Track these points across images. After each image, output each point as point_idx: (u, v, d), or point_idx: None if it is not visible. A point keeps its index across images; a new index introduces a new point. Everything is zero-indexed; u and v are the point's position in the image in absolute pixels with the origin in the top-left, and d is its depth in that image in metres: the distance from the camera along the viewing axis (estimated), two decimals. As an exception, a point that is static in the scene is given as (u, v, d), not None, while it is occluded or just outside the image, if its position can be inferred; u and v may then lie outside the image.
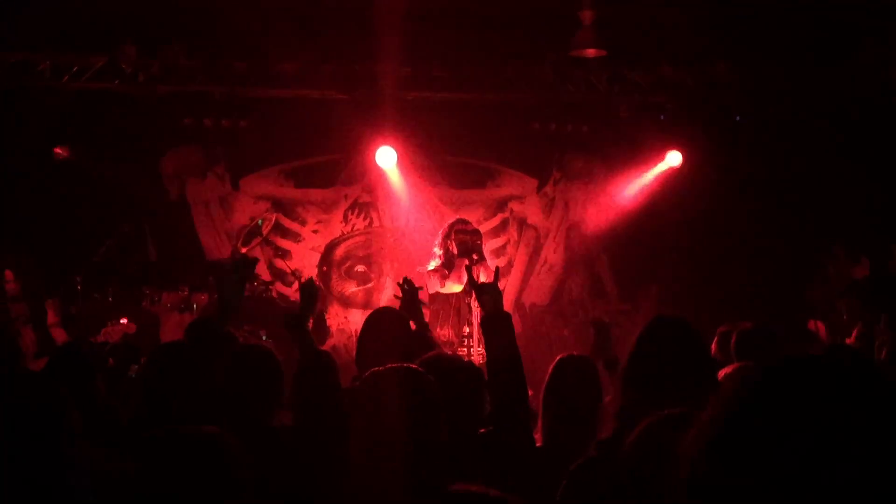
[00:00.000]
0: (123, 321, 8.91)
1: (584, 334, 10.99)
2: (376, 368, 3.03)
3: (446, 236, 7.85)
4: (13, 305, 8.52)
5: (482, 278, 7.64)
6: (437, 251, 7.88)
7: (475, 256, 7.58)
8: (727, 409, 1.37)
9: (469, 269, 7.51)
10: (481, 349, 7.67)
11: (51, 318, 8.68)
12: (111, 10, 9.49)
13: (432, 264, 7.84)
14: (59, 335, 8.61)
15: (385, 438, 2.85)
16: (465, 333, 7.70)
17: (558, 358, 4.33)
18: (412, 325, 5.35)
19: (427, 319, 7.79)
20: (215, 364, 4.25)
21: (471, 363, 4.80)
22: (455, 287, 7.63)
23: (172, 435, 2.82)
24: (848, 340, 6.96)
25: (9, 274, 8.71)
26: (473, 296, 7.55)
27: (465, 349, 7.66)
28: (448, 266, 7.70)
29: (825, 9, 9.51)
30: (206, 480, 2.72)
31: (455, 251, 7.69)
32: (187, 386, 4.05)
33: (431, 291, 7.81)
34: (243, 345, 4.89)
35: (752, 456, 1.31)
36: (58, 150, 10.30)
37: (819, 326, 9.01)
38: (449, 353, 7.48)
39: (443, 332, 7.67)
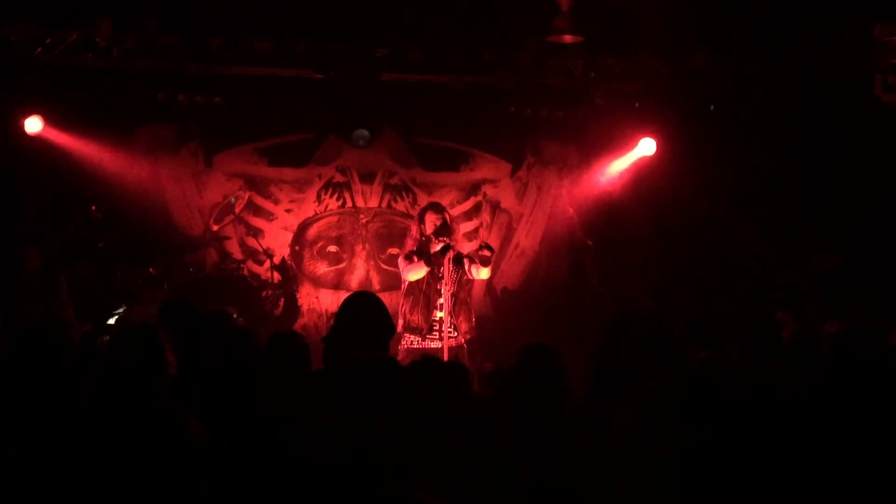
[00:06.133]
0: None
1: (556, 319, 11.02)
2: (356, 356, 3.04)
3: (419, 220, 7.83)
4: (36, 282, 8.54)
5: (450, 265, 7.60)
6: (411, 235, 7.86)
7: (446, 240, 7.55)
8: None
9: (439, 254, 7.56)
10: (452, 334, 7.65)
11: (64, 295, 8.67)
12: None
13: (404, 249, 7.82)
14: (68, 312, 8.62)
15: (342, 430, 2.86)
16: (435, 319, 7.66)
17: (523, 346, 4.37)
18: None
19: (400, 305, 7.81)
20: (188, 346, 4.24)
21: (456, 363, 4.82)
22: (419, 272, 7.59)
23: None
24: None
25: (33, 250, 8.68)
26: (443, 282, 7.54)
27: (437, 333, 7.64)
28: (419, 251, 7.67)
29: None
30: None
31: (426, 236, 7.67)
32: (151, 370, 4.03)
33: (403, 277, 7.78)
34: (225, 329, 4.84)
35: None
36: (29, 124, 10.17)
37: (787, 316, 9.06)
38: (418, 338, 7.52)
39: (413, 318, 7.64)
